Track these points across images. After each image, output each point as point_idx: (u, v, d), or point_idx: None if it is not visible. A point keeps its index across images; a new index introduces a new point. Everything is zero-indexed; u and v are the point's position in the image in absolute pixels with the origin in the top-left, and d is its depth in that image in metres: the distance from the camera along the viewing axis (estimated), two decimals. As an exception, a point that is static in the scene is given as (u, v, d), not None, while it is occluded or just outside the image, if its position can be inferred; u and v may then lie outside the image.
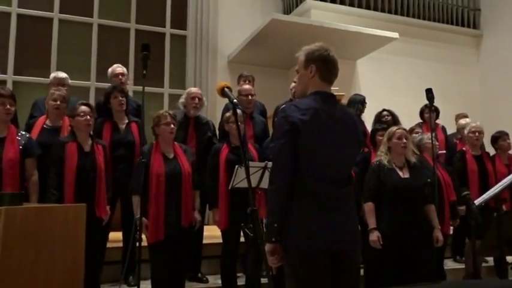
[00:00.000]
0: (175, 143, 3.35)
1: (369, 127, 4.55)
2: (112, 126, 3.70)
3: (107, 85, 4.47)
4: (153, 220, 3.08)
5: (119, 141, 3.63)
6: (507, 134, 4.39)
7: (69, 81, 4.37)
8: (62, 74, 4.27)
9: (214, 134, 4.10)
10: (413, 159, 3.31)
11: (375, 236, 3.03)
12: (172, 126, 3.24)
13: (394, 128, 3.35)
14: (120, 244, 3.72)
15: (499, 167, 4.25)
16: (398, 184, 3.15)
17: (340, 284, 1.93)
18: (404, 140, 3.23)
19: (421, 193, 3.24)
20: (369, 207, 3.20)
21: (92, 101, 5.69)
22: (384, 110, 4.88)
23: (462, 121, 5.15)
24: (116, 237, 3.82)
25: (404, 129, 3.33)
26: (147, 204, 3.09)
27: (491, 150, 4.60)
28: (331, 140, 1.96)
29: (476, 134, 4.31)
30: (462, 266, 4.35)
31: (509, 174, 3.93)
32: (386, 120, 4.64)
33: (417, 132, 4.46)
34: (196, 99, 3.93)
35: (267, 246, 1.90)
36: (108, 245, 3.52)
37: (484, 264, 4.46)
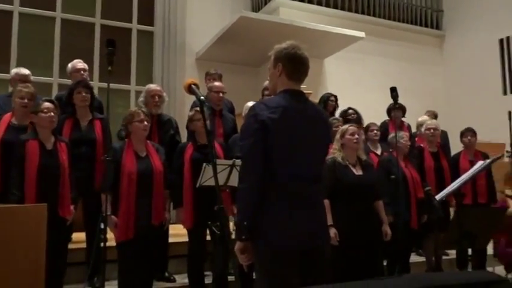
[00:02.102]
0: (148, 141, 3.30)
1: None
2: (73, 123, 3.58)
3: (70, 82, 4.35)
4: (123, 218, 3.03)
5: (79, 138, 3.52)
6: (471, 131, 4.50)
7: (32, 77, 4.22)
8: (25, 71, 4.11)
9: (177, 132, 4.04)
10: (364, 157, 3.40)
11: (332, 232, 3.06)
12: (145, 123, 3.20)
13: (346, 126, 3.45)
14: (83, 245, 3.63)
15: (462, 163, 4.36)
16: (353, 181, 3.23)
17: (311, 279, 1.95)
18: (357, 136, 3.32)
19: (374, 189, 3.33)
20: (325, 204, 3.23)
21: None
22: (350, 108, 4.99)
23: (420, 118, 5.32)
24: (78, 238, 3.72)
25: (357, 127, 3.41)
26: (116, 202, 3.05)
27: (458, 147, 4.73)
28: (301, 137, 1.97)
29: (432, 130, 4.42)
30: (424, 259, 4.47)
31: None
32: (352, 118, 4.74)
33: (372, 130, 4.56)
34: (156, 96, 3.85)
35: (238, 245, 1.89)
36: (71, 246, 3.43)
37: (444, 257, 4.61)
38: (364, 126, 4.67)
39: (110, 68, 2.98)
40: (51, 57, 6.68)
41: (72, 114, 3.62)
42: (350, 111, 4.92)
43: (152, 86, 3.99)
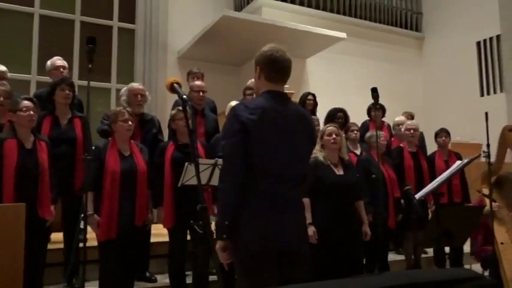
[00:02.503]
0: (132, 141, 3.27)
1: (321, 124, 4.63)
2: (52, 121, 3.51)
3: (48, 79, 4.28)
4: (106, 218, 2.99)
5: (59, 137, 3.45)
6: (445, 131, 4.61)
7: (8, 74, 4.13)
8: (1, 67, 4.02)
9: (159, 131, 4.01)
10: (346, 157, 3.44)
11: (310, 231, 3.08)
12: (130, 123, 3.17)
13: (326, 126, 3.48)
14: (61, 245, 3.57)
15: (438, 163, 4.45)
16: (334, 180, 3.25)
17: (289, 281, 1.96)
18: (334, 136, 3.35)
19: (354, 189, 3.37)
20: (305, 202, 3.23)
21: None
22: (340, 111, 4.98)
23: (397, 118, 5.39)
24: (55, 238, 3.65)
25: (336, 127, 3.45)
26: (99, 201, 3.02)
27: (434, 146, 4.82)
28: (282, 138, 1.98)
29: (412, 131, 4.50)
30: (404, 257, 4.54)
31: (447, 169, 4.16)
32: (340, 121, 4.76)
33: (353, 130, 4.60)
34: (139, 96, 3.81)
35: (218, 244, 1.91)
36: (48, 246, 3.36)
37: (423, 256, 4.69)
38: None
39: (90, 66, 2.94)
40: (29, 54, 6.55)
41: (51, 111, 3.55)
42: (339, 114, 4.93)
43: (135, 85, 3.95)
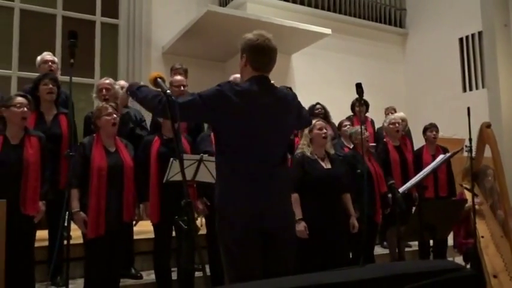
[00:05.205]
0: (117, 137, 3.24)
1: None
2: (37, 117, 3.46)
3: (30, 74, 4.21)
4: (94, 214, 2.97)
5: (43, 133, 3.40)
6: (435, 126, 4.64)
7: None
8: None
9: (137, 125, 3.97)
10: (332, 151, 3.46)
11: (301, 226, 3.10)
12: (114, 116, 3.14)
13: (314, 121, 3.46)
14: (45, 243, 3.52)
15: (425, 157, 4.48)
16: (322, 174, 3.27)
17: (273, 263, 2.00)
18: (325, 131, 3.36)
19: (342, 182, 3.39)
20: (294, 198, 3.23)
21: (13, 92, 5.33)
22: (318, 103, 5.04)
23: (398, 114, 5.40)
24: (40, 235, 3.60)
25: (324, 121, 3.46)
26: (85, 198, 2.99)
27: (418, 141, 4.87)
28: (264, 121, 2.00)
29: (397, 125, 4.53)
30: (388, 251, 4.60)
31: None
32: (319, 113, 4.79)
33: (345, 126, 4.62)
34: (104, 90, 3.82)
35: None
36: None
37: (407, 249, 4.75)
38: (331, 121, 4.74)
39: (72, 61, 2.89)
40: (10, 49, 6.43)
41: (36, 107, 3.50)
42: (318, 106, 4.97)
43: (101, 80, 3.98)
